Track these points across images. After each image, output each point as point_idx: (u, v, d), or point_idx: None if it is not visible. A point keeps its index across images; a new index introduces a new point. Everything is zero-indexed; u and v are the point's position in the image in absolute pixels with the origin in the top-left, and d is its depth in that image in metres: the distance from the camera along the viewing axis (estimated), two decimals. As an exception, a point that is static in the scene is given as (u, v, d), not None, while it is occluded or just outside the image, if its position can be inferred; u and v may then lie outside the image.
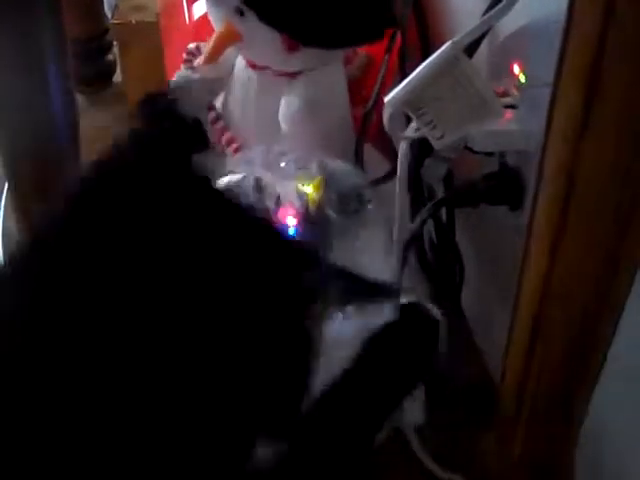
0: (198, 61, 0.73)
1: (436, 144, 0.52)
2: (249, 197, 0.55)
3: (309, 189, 0.54)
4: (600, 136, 0.39)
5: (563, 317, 0.44)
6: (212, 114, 0.74)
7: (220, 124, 0.74)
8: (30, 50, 0.59)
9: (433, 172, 0.58)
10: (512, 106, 0.57)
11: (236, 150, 0.73)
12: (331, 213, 0.54)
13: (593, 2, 0.36)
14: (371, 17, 0.66)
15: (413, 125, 0.54)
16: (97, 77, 0.98)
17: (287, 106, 0.67)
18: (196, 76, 0.72)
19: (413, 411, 0.57)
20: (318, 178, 0.55)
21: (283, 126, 0.67)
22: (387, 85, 0.77)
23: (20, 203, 0.69)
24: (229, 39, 0.68)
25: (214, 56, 0.69)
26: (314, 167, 0.56)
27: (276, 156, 0.58)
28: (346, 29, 0.66)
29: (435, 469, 0.58)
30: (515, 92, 0.58)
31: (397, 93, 0.48)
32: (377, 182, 0.69)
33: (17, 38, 0.58)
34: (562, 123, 0.40)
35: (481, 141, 0.56)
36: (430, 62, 0.47)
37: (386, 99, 0.48)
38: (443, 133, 0.51)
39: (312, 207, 0.54)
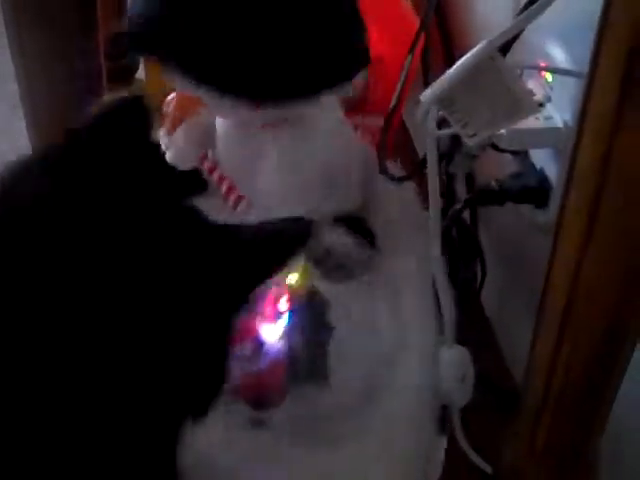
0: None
1: (468, 142, 0.52)
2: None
3: (294, 279, 0.50)
4: (634, 133, 0.39)
5: (592, 312, 0.45)
6: (207, 164, 0.67)
7: (217, 173, 0.67)
8: (60, 48, 0.60)
9: (459, 168, 0.59)
10: (539, 104, 0.58)
11: (237, 200, 0.65)
12: (328, 285, 0.51)
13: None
14: (336, 55, 0.57)
15: (432, 117, 0.54)
16: (120, 74, 0.99)
17: (263, 182, 0.60)
18: (180, 137, 0.66)
19: (461, 390, 0.58)
20: (302, 266, 0.50)
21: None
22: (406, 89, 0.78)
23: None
24: (190, 105, 0.64)
25: (175, 126, 0.64)
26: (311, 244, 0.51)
27: None
28: (308, 77, 0.57)
29: (471, 454, 0.59)
30: (541, 91, 0.58)
31: (433, 90, 0.48)
32: (399, 180, 0.70)
33: (50, 40, 0.59)
34: (596, 121, 0.41)
35: (508, 139, 0.57)
36: (465, 60, 0.48)
37: (421, 96, 0.49)
38: (475, 131, 0.52)
39: (298, 297, 0.50)
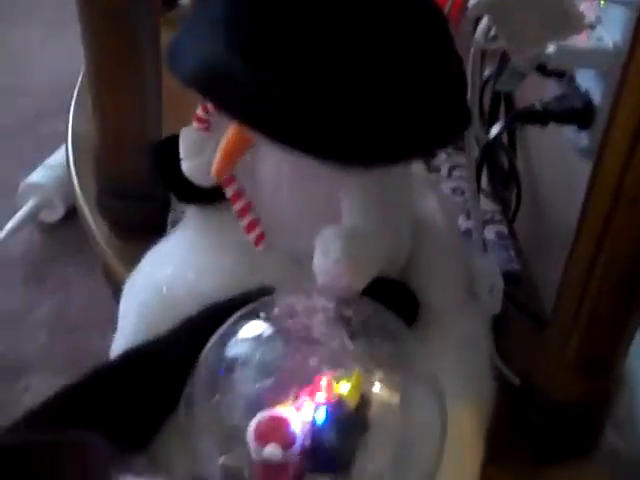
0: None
1: (515, 56, 0.53)
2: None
3: (346, 388, 0.46)
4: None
5: (631, 225, 0.46)
6: (232, 189, 0.57)
7: (241, 203, 0.57)
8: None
9: (507, 86, 0.59)
10: (590, 26, 0.58)
11: (259, 239, 0.57)
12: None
13: None
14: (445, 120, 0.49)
15: (482, 28, 0.54)
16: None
17: (323, 251, 0.50)
18: (211, 140, 0.55)
19: (491, 300, 0.59)
20: (356, 375, 0.46)
21: (318, 277, 0.51)
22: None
23: (95, 101, 0.71)
24: (243, 145, 0.52)
25: (224, 168, 0.53)
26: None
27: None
28: (417, 142, 0.48)
29: (501, 366, 0.61)
30: (593, 13, 0.59)
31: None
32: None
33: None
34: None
35: (557, 57, 0.57)
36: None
37: (470, 2, 0.49)
38: (523, 45, 0.52)
39: (346, 408, 0.46)
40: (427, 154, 0.53)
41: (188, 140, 0.57)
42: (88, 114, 0.75)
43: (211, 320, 0.50)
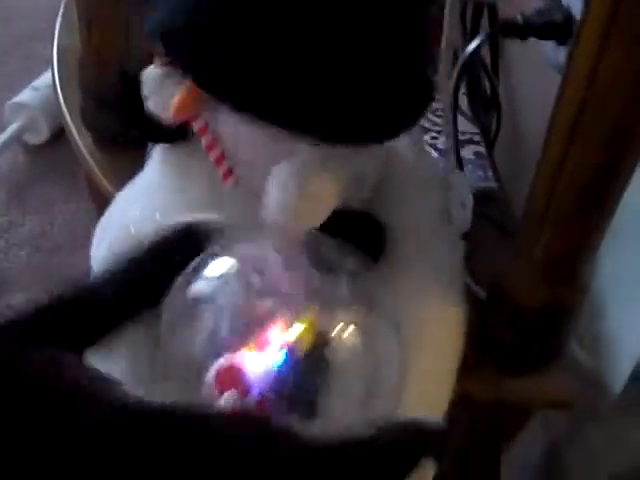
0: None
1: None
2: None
3: (299, 329, 0.46)
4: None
5: (603, 116, 0.46)
6: (198, 124, 0.57)
7: (209, 137, 0.57)
8: None
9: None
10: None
11: (227, 173, 0.57)
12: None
13: None
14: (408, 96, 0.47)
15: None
16: None
17: (281, 187, 0.49)
18: (170, 76, 0.54)
19: (462, 216, 0.60)
20: (309, 315, 0.46)
21: (273, 216, 0.50)
22: None
23: (81, 13, 0.71)
24: (201, 101, 0.52)
25: (180, 115, 0.53)
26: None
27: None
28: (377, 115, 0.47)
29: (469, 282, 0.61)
30: None
31: None
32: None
33: None
34: None
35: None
36: None
37: None
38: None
39: (301, 350, 0.45)
40: (384, 138, 0.49)
41: (148, 77, 0.56)
42: (73, 25, 0.75)
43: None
